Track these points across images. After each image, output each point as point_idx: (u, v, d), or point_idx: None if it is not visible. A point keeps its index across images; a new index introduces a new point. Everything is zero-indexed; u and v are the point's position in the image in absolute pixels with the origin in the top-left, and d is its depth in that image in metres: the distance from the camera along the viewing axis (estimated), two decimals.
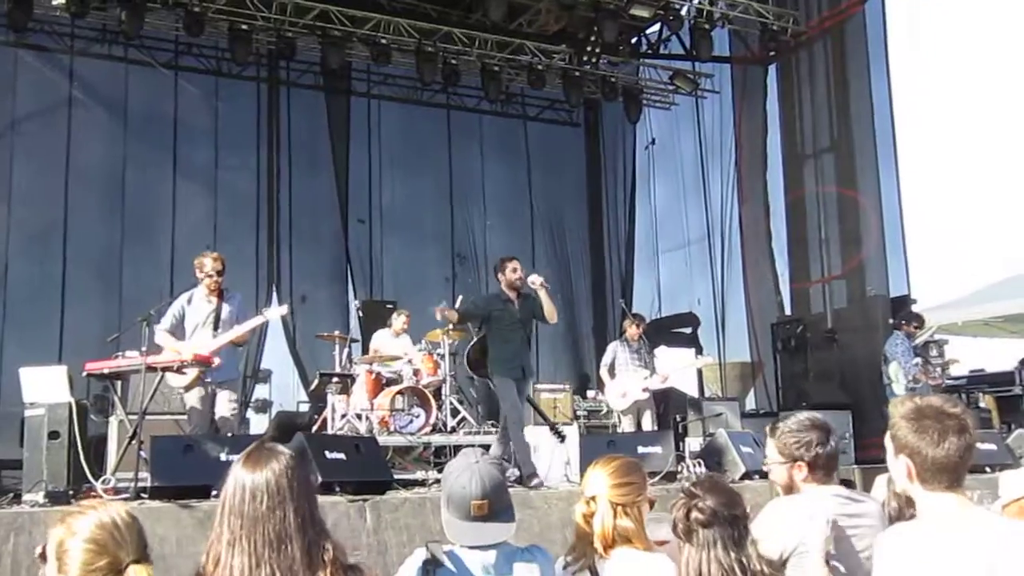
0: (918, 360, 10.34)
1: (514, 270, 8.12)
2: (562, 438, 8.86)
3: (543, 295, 7.98)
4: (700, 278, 15.18)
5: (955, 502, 2.41)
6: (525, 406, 8.44)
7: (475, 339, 9.61)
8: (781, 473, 3.38)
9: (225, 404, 7.36)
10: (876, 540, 2.61)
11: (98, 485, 6.48)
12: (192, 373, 7.16)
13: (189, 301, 7.42)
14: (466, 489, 2.70)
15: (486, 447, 9.11)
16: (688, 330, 14.20)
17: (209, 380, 7.25)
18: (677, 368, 11.28)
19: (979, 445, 9.27)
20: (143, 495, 6.18)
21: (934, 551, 2.34)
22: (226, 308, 7.43)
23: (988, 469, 8.59)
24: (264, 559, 2.31)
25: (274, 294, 13.41)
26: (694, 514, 2.69)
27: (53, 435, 6.53)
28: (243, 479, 2.40)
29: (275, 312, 7.84)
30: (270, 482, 2.38)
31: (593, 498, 2.79)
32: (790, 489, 3.38)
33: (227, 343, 7.28)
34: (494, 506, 2.72)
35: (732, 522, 2.68)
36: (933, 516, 2.44)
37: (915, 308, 11.60)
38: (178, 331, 7.34)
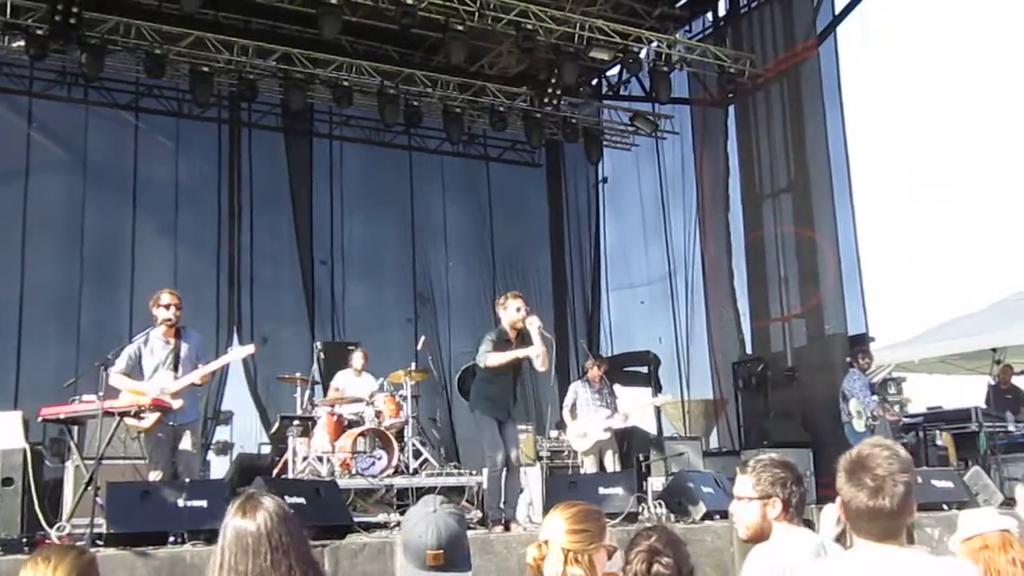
0: (875, 396, 10.47)
1: (518, 309, 7.69)
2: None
3: (536, 339, 7.53)
4: (662, 316, 15.24)
5: (879, 550, 2.45)
6: (513, 448, 7.85)
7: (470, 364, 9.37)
8: (752, 511, 3.30)
9: (187, 443, 7.26)
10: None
11: (52, 533, 6.37)
12: (151, 417, 7.06)
13: (146, 342, 7.31)
14: (422, 539, 2.72)
15: (450, 489, 9.12)
16: (644, 369, 14.16)
17: (171, 423, 7.15)
18: (638, 406, 11.30)
19: (936, 483, 9.27)
20: (98, 542, 6.09)
21: None
22: (184, 347, 7.35)
23: (945, 507, 8.66)
24: None
25: (235, 336, 13.30)
26: (656, 568, 2.71)
27: (6, 481, 6.45)
28: (232, 528, 2.47)
29: (240, 352, 7.77)
30: (260, 532, 2.44)
31: (546, 542, 2.80)
32: (760, 529, 3.30)
33: (190, 384, 7.20)
34: (449, 556, 2.75)
35: None
36: (854, 557, 2.52)
37: (873, 346, 11.72)
38: (135, 372, 7.22)
